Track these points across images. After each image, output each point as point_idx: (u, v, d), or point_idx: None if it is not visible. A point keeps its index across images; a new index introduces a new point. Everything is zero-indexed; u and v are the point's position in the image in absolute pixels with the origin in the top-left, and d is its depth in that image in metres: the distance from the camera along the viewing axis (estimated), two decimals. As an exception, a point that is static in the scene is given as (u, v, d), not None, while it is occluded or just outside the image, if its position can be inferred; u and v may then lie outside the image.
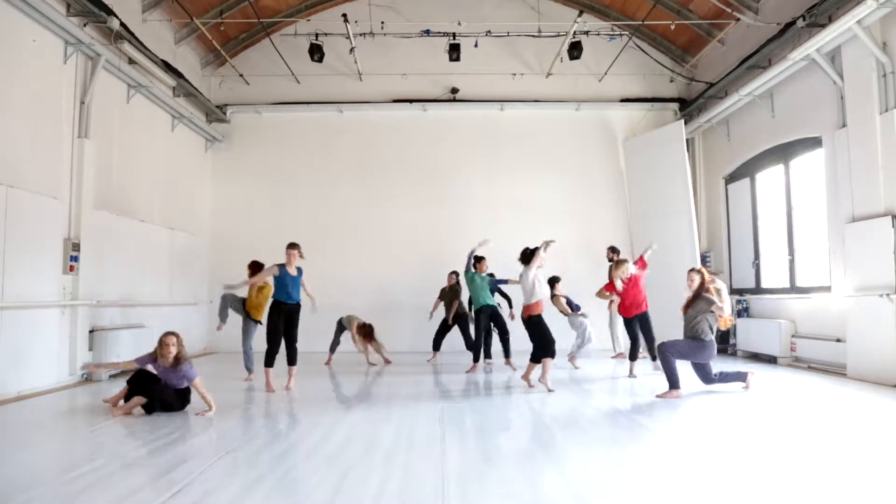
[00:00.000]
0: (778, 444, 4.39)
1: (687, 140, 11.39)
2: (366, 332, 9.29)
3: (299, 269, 7.10)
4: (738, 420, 5.22)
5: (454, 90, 12.18)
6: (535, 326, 6.74)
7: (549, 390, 6.60)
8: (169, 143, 10.58)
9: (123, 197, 9.03)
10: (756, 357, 9.52)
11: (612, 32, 11.79)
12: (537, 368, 6.90)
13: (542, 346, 6.71)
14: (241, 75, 11.92)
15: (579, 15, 10.02)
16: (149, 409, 5.45)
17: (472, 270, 8.55)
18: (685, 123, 11.39)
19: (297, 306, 7.04)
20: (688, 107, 11.89)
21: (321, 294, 7.75)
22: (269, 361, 6.90)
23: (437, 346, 9.77)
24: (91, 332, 7.81)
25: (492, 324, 8.72)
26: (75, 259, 7.54)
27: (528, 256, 6.97)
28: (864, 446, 4.29)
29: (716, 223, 11.74)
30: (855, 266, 7.49)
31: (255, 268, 7.59)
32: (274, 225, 11.96)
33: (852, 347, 7.48)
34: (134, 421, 5.17)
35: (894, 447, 4.27)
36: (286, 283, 6.91)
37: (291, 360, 7.05)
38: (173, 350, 5.45)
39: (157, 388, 5.50)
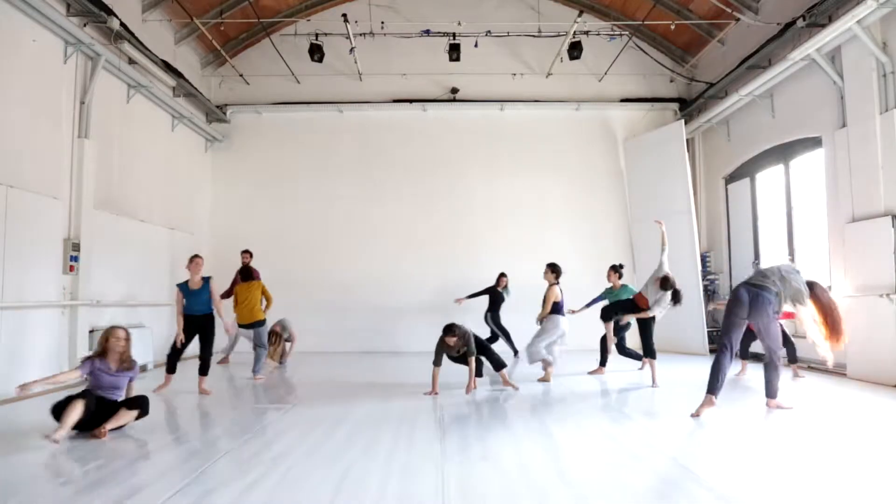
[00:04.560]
0: (777, 444, 4.39)
1: (687, 140, 11.39)
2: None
3: (205, 280, 6.90)
4: (738, 420, 5.22)
5: (454, 90, 12.18)
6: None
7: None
8: (169, 143, 10.57)
9: (123, 197, 9.03)
10: (756, 357, 9.50)
11: (612, 32, 11.79)
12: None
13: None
14: (241, 75, 11.91)
15: (579, 15, 10.02)
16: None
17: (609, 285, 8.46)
18: (685, 123, 11.39)
19: (205, 317, 6.83)
20: (688, 107, 11.89)
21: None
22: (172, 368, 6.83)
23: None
24: (91, 332, 7.80)
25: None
26: (75, 259, 7.54)
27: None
28: (864, 446, 4.29)
29: (716, 223, 11.74)
30: (855, 266, 7.49)
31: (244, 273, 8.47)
32: (274, 225, 12.01)
33: (852, 347, 7.44)
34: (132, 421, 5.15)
35: (894, 447, 4.27)
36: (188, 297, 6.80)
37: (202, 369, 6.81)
38: (123, 345, 4.88)
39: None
